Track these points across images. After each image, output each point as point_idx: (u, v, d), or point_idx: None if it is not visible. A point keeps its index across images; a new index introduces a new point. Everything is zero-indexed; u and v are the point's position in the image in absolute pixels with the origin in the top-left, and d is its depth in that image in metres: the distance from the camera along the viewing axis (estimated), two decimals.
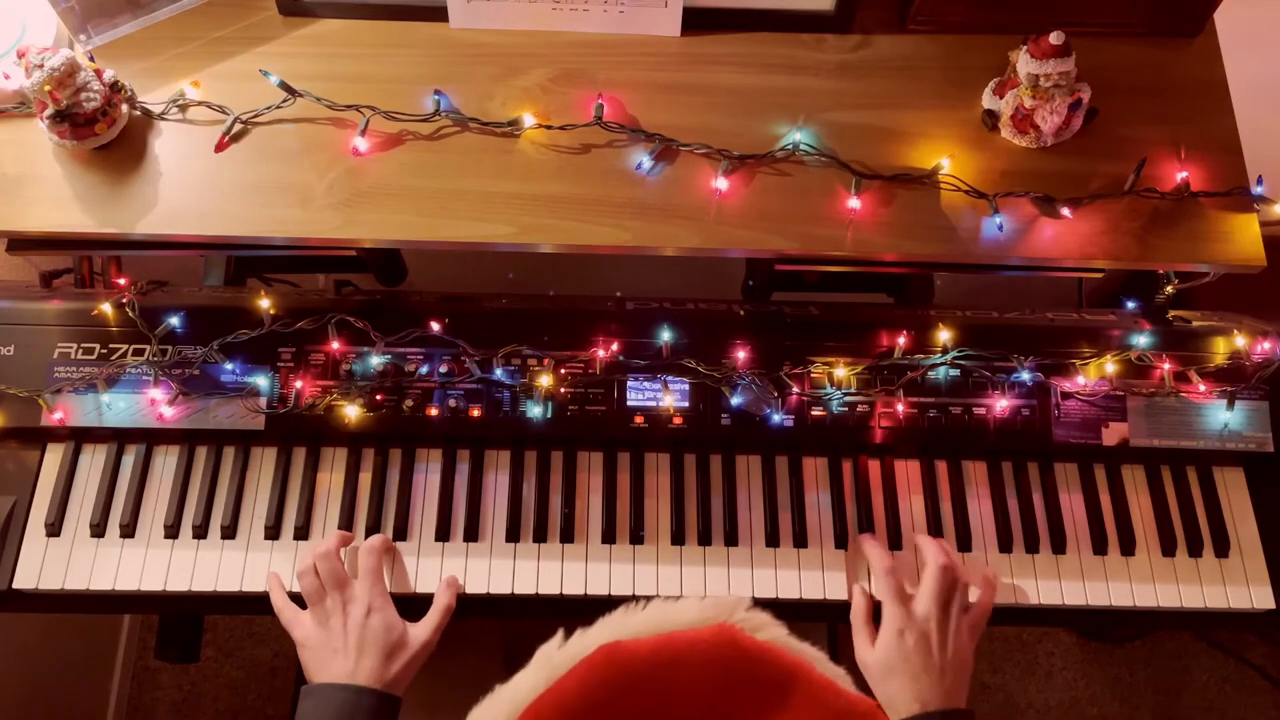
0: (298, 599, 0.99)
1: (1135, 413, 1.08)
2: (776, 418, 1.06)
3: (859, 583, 1.03)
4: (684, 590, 1.04)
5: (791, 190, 1.03)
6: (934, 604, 0.96)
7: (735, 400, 1.06)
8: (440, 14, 1.08)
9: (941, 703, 0.91)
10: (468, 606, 1.02)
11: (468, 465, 1.07)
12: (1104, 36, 1.10)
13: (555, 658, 0.55)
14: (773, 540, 1.05)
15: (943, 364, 1.07)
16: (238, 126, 1.03)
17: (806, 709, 0.53)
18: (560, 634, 0.58)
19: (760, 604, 0.68)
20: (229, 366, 1.04)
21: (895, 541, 1.06)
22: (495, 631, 1.32)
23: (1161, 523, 1.08)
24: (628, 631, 0.56)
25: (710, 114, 1.06)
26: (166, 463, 1.06)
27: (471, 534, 1.04)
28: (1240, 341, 1.10)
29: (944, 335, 1.09)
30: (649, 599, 0.60)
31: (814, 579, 1.04)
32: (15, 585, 1.00)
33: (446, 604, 0.99)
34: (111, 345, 1.05)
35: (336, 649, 0.94)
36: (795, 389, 1.07)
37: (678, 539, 1.05)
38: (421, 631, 0.97)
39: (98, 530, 1.03)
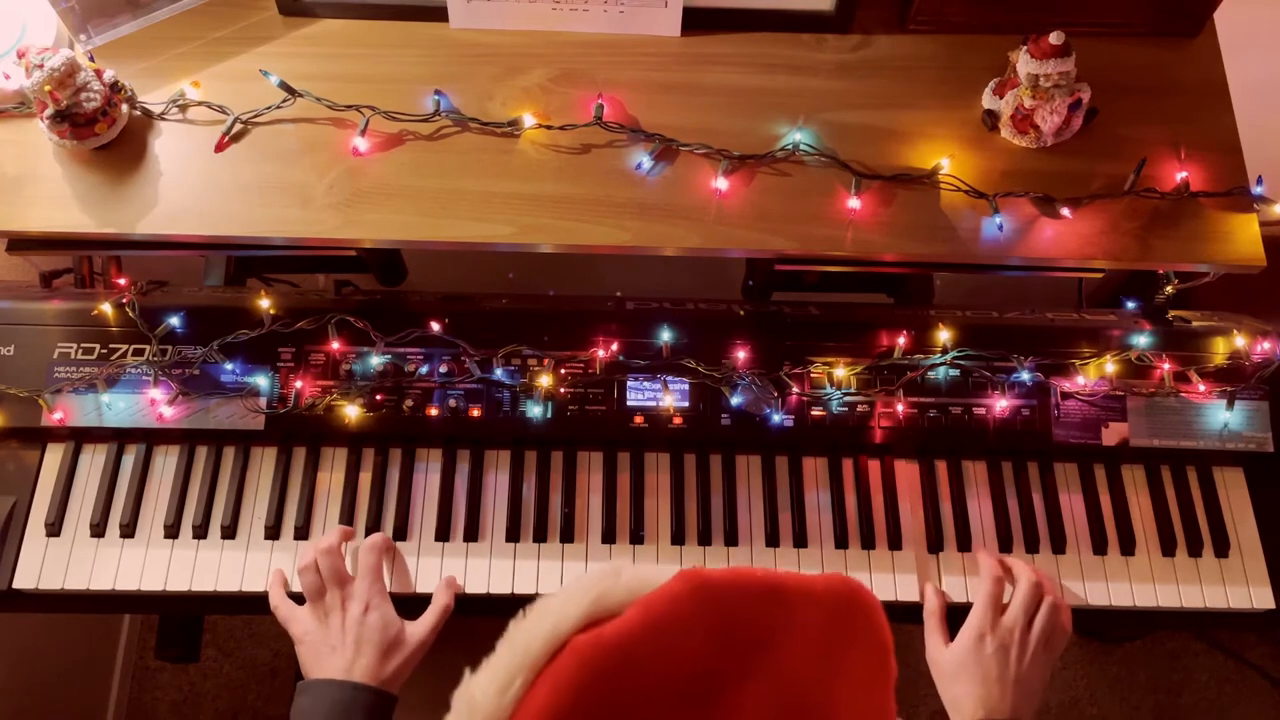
0: (296, 598, 0.99)
1: (1135, 413, 1.08)
2: (776, 418, 1.06)
3: (930, 582, 1.04)
4: None
5: (791, 190, 1.03)
6: (1022, 616, 0.97)
7: (735, 400, 1.06)
8: (440, 14, 1.08)
9: (1007, 716, 0.92)
10: (468, 606, 1.02)
11: (468, 465, 1.07)
12: (1104, 36, 1.10)
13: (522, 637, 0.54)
14: (773, 540, 1.05)
15: (943, 364, 1.07)
16: (238, 126, 1.03)
17: (804, 603, 0.53)
18: (522, 613, 0.56)
19: None
20: (229, 366, 1.04)
21: (895, 542, 1.06)
22: (495, 631, 1.32)
23: (1161, 523, 1.08)
24: (611, 604, 0.55)
25: (710, 114, 1.06)
26: (166, 463, 1.06)
27: (471, 534, 1.04)
28: (1240, 341, 1.10)
29: (944, 335, 1.09)
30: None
31: None
32: (15, 585, 1.00)
33: (445, 604, 0.99)
34: (111, 345, 1.05)
35: (334, 646, 0.94)
36: (795, 389, 1.07)
37: (678, 539, 1.05)
38: (419, 630, 0.97)
39: (98, 530, 1.03)
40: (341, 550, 1.00)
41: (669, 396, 1.06)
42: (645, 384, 1.07)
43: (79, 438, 1.06)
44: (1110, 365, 1.08)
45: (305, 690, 0.92)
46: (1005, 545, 1.06)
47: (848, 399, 1.07)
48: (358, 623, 0.94)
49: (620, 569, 0.55)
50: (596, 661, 0.51)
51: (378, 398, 1.05)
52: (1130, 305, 1.17)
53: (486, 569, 1.03)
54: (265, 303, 1.05)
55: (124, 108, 1.02)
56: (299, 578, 0.98)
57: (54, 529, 1.02)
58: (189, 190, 1.01)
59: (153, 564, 1.02)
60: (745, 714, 0.50)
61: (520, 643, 0.53)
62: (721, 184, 1.02)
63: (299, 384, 1.04)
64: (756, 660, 0.52)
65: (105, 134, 1.00)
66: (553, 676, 0.51)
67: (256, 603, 1.02)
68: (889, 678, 0.55)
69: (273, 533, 1.03)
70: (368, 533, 1.04)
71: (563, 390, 1.06)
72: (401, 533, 1.04)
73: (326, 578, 0.97)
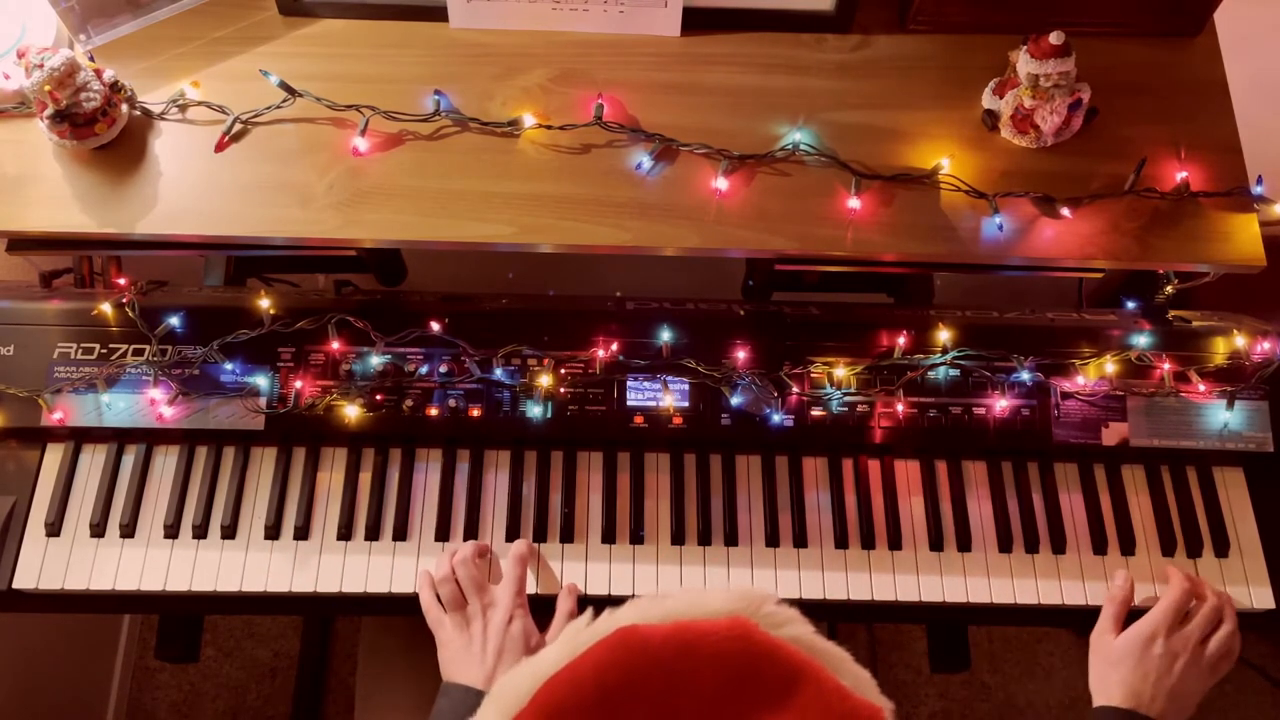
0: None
1: (1135, 413, 1.08)
2: (776, 418, 1.06)
3: (1125, 571, 1.04)
4: None
5: (791, 190, 1.03)
6: (1198, 633, 0.98)
7: (735, 400, 1.06)
8: (440, 14, 1.08)
9: (1154, 717, 0.93)
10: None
11: (468, 465, 1.07)
12: (1104, 36, 1.10)
13: (580, 636, 0.56)
14: (772, 540, 1.05)
15: (943, 364, 1.07)
16: (238, 126, 1.03)
17: (810, 708, 0.53)
18: (590, 612, 0.58)
19: None
20: (229, 366, 1.04)
21: (895, 542, 1.06)
22: None
23: (1161, 523, 1.08)
24: (653, 617, 0.57)
25: (710, 114, 1.06)
26: (166, 463, 1.06)
27: (471, 534, 1.04)
28: (1240, 341, 1.10)
29: (944, 335, 1.09)
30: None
31: (814, 579, 1.04)
32: (15, 585, 1.00)
33: (569, 609, 1.00)
34: (111, 345, 1.05)
35: (475, 653, 0.95)
36: (795, 389, 1.07)
37: (677, 539, 1.05)
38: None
39: (98, 530, 1.03)
40: (476, 561, 1.00)
41: (669, 396, 1.06)
42: (645, 384, 1.07)
43: (79, 438, 1.06)
44: (1110, 365, 1.08)
45: (446, 693, 0.93)
46: (1005, 545, 1.06)
47: (848, 399, 1.07)
48: (500, 632, 0.95)
49: (588, 618, 0.58)
50: (639, 652, 0.54)
51: (378, 398, 1.05)
52: (1130, 305, 1.17)
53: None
54: (265, 303, 1.05)
55: (124, 108, 1.02)
56: (439, 589, 0.99)
57: (54, 529, 1.02)
58: (189, 190, 1.01)
59: (152, 564, 1.02)
60: None
61: (508, 689, 0.55)
62: (721, 184, 1.02)
63: (299, 384, 1.04)
64: None
65: (105, 134, 1.00)
66: (597, 653, 0.54)
67: (256, 603, 1.02)
68: None
69: (272, 533, 1.03)
70: (368, 534, 1.04)
71: (563, 390, 1.06)
72: (401, 533, 1.04)
73: (466, 586, 0.98)
